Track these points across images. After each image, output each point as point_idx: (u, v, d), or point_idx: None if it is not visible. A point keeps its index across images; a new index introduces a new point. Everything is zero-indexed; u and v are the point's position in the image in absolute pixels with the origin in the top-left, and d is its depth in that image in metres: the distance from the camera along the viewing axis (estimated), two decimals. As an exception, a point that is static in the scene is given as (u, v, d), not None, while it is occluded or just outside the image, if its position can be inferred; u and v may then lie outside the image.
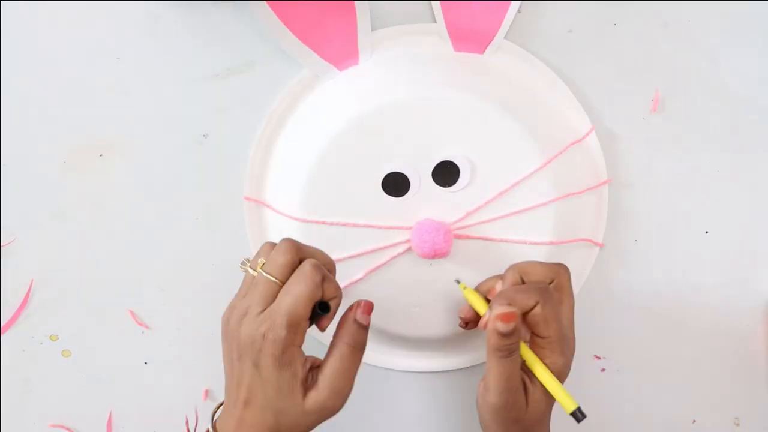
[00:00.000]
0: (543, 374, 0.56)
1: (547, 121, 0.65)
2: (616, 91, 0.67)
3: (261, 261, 0.57)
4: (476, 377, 0.59)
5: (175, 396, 0.69)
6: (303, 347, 0.55)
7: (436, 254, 0.63)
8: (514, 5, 0.64)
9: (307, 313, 0.54)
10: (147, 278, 0.68)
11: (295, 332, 0.54)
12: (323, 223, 0.64)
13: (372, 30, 0.65)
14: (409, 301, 0.65)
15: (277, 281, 0.55)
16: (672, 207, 0.69)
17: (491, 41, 0.65)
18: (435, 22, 0.65)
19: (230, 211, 0.67)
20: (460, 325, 0.62)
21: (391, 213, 0.64)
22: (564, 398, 0.56)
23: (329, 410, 0.55)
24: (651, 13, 0.67)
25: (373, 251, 0.64)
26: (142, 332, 0.68)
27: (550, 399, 0.57)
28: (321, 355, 0.57)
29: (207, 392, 0.69)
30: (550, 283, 0.59)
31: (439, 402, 0.70)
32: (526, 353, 0.57)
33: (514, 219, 0.64)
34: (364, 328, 0.57)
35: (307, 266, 0.55)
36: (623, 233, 0.68)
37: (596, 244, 0.68)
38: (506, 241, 0.64)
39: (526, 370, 0.57)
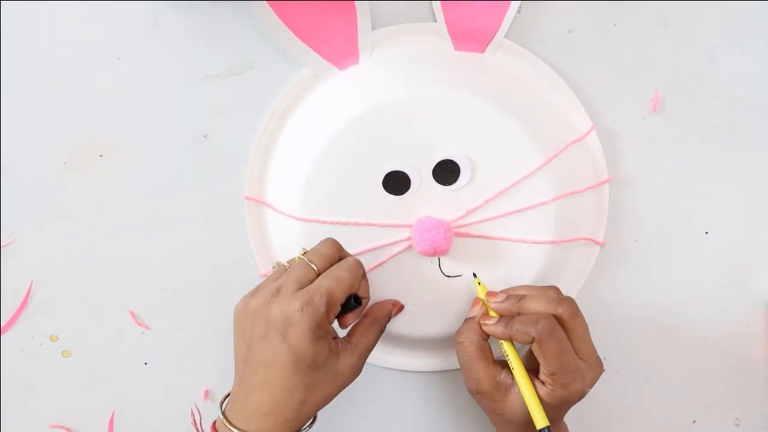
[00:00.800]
0: (522, 383, 0.58)
1: (548, 119, 0.66)
2: (616, 91, 0.67)
3: (303, 249, 0.59)
4: (476, 376, 0.59)
5: (175, 396, 0.69)
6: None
7: (436, 252, 0.63)
8: (514, 5, 0.65)
9: (343, 299, 0.57)
10: (147, 278, 0.68)
11: (329, 312, 0.56)
12: (324, 222, 0.64)
13: (372, 29, 0.65)
14: (409, 299, 0.65)
15: (316, 268, 0.57)
16: (672, 207, 0.69)
17: (491, 40, 0.65)
18: (435, 21, 0.65)
19: (230, 211, 0.67)
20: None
21: (391, 211, 0.64)
22: (536, 414, 0.57)
23: (356, 374, 0.58)
24: (651, 13, 0.67)
25: (374, 249, 0.64)
26: (142, 332, 0.68)
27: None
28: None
29: (207, 392, 0.69)
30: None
31: (438, 402, 0.70)
32: (515, 360, 0.58)
33: (514, 218, 0.64)
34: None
35: (351, 260, 0.59)
36: (624, 232, 0.69)
37: (597, 243, 0.68)
38: (506, 239, 0.64)
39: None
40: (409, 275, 0.64)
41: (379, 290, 0.64)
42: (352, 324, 0.60)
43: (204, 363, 0.68)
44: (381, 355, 0.68)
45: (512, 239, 0.64)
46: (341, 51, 0.65)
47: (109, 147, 0.67)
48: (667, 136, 0.68)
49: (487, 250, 0.64)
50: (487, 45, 0.66)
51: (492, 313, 0.60)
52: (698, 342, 0.70)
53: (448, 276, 0.64)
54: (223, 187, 0.67)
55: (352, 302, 0.58)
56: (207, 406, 0.69)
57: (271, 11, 0.63)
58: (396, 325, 0.65)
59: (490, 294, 0.61)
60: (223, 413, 0.58)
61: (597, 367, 0.58)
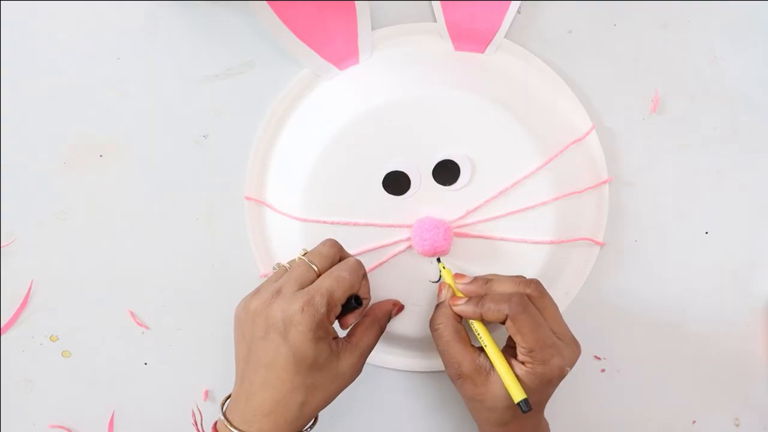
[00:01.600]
0: (495, 358, 0.58)
1: (548, 120, 0.66)
2: (616, 91, 0.67)
3: (303, 249, 0.59)
4: (477, 376, 0.59)
5: (175, 396, 0.69)
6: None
7: (436, 252, 0.63)
8: (514, 5, 0.65)
9: (344, 299, 0.56)
10: (147, 278, 0.68)
11: (329, 312, 0.55)
12: (324, 222, 0.64)
13: (372, 29, 0.65)
14: (409, 299, 0.65)
15: (316, 269, 0.57)
16: (672, 207, 0.69)
17: (491, 40, 0.65)
18: (435, 21, 0.65)
19: (230, 211, 0.67)
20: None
21: (391, 212, 0.64)
22: (512, 387, 0.56)
23: (356, 374, 0.58)
24: (651, 13, 0.67)
25: (374, 249, 0.64)
26: (142, 332, 0.68)
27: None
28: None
29: (207, 392, 0.69)
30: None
31: (438, 402, 0.70)
32: (486, 338, 0.58)
33: (514, 218, 0.64)
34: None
35: (352, 260, 0.59)
36: (624, 232, 0.69)
37: (597, 243, 0.68)
38: (507, 239, 0.64)
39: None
40: (409, 275, 0.64)
41: (379, 290, 0.64)
42: (353, 324, 0.60)
43: (204, 363, 0.68)
44: (381, 355, 0.68)
45: (512, 239, 0.64)
46: (341, 51, 0.65)
47: (109, 147, 0.66)
48: (667, 136, 0.68)
49: (487, 250, 0.64)
50: (487, 45, 0.66)
51: (459, 295, 0.60)
52: (698, 342, 0.70)
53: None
54: (223, 188, 0.67)
55: (353, 303, 0.58)
56: (207, 406, 0.69)
57: (271, 11, 0.63)
58: (396, 325, 0.65)
59: (457, 276, 0.61)
60: (224, 414, 0.58)
61: (574, 345, 0.58)
